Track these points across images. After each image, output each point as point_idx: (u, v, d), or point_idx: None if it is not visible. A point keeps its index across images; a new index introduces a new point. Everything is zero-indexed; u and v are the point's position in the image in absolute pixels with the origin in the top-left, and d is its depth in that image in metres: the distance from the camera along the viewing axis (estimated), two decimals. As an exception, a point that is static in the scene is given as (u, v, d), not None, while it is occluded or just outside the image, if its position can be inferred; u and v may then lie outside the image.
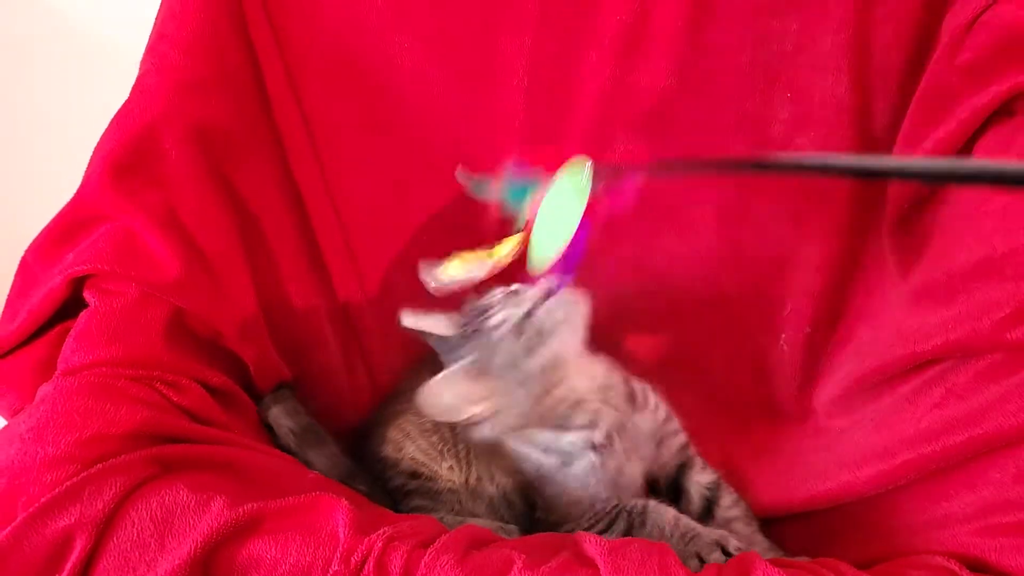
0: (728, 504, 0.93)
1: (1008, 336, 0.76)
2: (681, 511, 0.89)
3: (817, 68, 0.98)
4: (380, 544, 0.68)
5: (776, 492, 0.93)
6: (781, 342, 1.03)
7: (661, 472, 0.96)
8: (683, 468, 0.95)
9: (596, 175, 0.70)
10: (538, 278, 0.75)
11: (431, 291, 0.79)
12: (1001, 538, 0.73)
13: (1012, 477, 0.74)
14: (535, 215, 0.71)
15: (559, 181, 0.71)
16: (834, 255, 1.00)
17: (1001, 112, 0.87)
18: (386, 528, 0.70)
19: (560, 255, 0.69)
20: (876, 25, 0.96)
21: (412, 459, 0.97)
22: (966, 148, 0.89)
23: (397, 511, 0.92)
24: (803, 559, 0.82)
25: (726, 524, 0.91)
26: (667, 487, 0.97)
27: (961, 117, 0.88)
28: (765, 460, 0.99)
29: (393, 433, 0.99)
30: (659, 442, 0.94)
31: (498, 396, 0.83)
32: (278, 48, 1.00)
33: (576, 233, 0.68)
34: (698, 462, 0.95)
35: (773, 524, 0.93)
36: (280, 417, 0.94)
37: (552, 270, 0.70)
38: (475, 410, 0.83)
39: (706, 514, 0.94)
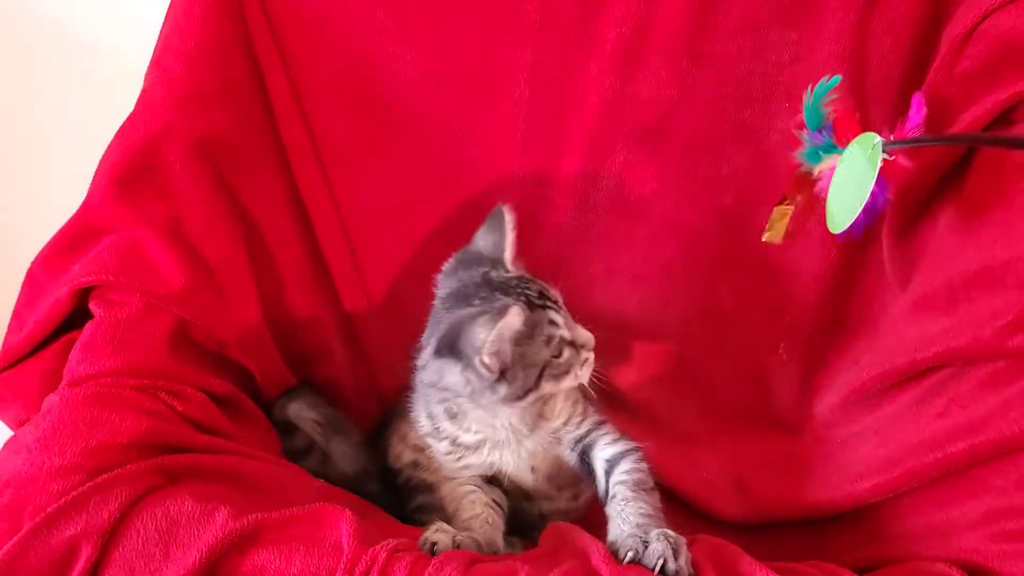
0: (623, 470, 0.84)
1: (1009, 344, 0.77)
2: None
3: (814, 78, 0.98)
4: (384, 555, 0.68)
5: (777, 499, 0.93)
6: (780, 351, 1.03)
7: (569, 460, 0.91)
8: (587, 450, 0.89)
9: (884, 147, 0.76)
10: None
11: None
12: (1003, 544, 0.73)
13: (1014, 484, 0.75)
14: (828, 180, 0.79)
15: (850, 151, 0.78)
16: (833, 264, 1.01)
17: (1001, 121, 0.87)
18: (390, 539, 0.70)
19: (856, 218, 0.75)
20: (874, 36, 0.96)
21: (415, 445, 0.96)
22: (966, 157, 0.90)
23: (406, 512, 0.93)
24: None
25: (612, 489, 0.83)
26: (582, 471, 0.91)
27: (961, 126, 0.88)
28: (765, 467, 0.99)
29: (400, 425, 0.98)
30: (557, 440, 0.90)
31: None
32: (282, 60, 1.01)
33: (869, 199, 0.75)
34: (602, 439, 0.88)
35: (773, 529, 0.92)
36: (302, 411, 0.95)
37: (849, 230, 0.76)
38: None
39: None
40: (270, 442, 0.93)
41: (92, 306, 0.83)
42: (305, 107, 1.02)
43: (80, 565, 0.67)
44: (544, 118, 1.05)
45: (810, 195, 0.83)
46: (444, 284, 0.89)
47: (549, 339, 0.82)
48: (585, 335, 0.85)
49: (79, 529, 0.67)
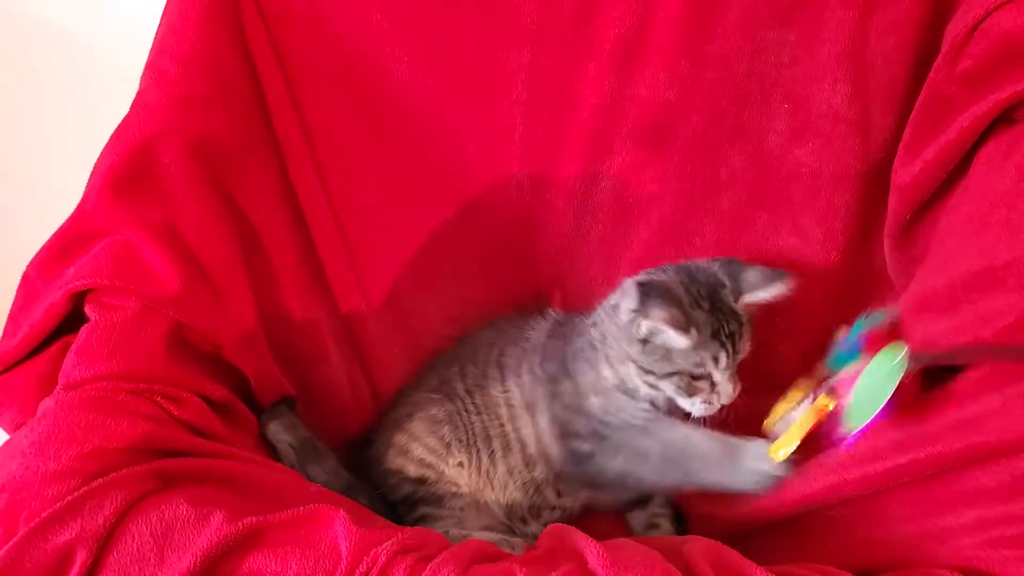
0: (659, 503, 1.01)
1: (1011, 345, 0.76)
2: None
3: (813, 79, 0.98)
4: (383, 557, 0.68)
5: (770, 500, 0.92)
6: (780, 353, 1.03)
7: None
8: None
9: (909, 360, 0.81)
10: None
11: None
12: (1004, 550, 0.72)
13: (1008, 488, 0.74)
14: (850, 384, 0.84)
15: (877, 360, 0.83)
16: (833, 265, 1.00)
17: (1002, 120, 0.87)
18: (389, 541, 0.70)
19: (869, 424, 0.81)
20: (876, 36, 0.96)
21: (420, 460, 0.97)
22: (967, 157, 0.89)
23: (402, 523, 0.93)
24: None
25: (650, 519, 0.99)
26: None
27: (962, 125, 0.88)
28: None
29: (398, 438, 0.99)
30: None
31: None
32: (278, 62, 1.00)
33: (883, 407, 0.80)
34: None
35: (768, 535, 0.92)
36: (279, 432, 0.94)
37: (859, 432, 0.82)
38: None
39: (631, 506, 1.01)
40: (264, 448, 0.92)
41: (87, 310, 0.83)
42: (301, 109, 1.02)
43: (75, 570, 0.66)
44: (542, 120, 1.05)
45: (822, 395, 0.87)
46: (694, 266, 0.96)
47: (699, 364, 0.91)
48: (728, 389, 0.92)
49: (74, 534, 0.67)
